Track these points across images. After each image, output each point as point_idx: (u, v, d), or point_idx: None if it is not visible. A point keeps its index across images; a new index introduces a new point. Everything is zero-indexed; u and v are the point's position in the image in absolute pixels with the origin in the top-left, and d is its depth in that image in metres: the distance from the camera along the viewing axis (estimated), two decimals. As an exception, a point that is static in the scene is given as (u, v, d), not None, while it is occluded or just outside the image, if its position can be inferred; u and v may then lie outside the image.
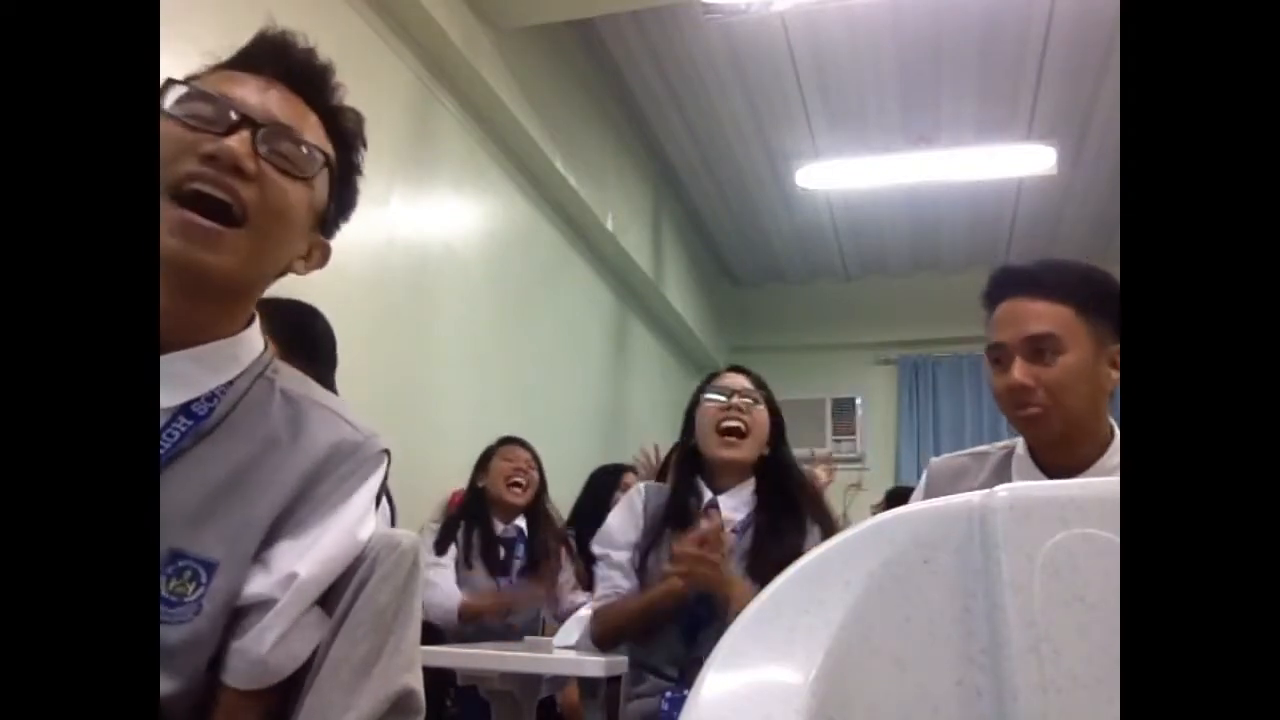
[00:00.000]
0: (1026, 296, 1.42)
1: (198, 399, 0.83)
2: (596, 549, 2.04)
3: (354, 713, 0.78)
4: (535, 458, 3.11)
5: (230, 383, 0.85)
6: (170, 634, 0.77)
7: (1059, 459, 1.42)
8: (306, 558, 0.82)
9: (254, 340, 0.89)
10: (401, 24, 3.15)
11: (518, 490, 3.01)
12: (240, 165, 0.79)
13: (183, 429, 0.82)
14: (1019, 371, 1.38)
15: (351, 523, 0.85)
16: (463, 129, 3.62)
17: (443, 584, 2.78)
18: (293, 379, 0.91)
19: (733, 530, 1.93)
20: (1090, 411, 1.39)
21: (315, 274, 0.92)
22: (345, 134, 0.91)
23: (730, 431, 1.97)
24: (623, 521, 2.03)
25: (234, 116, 0.81)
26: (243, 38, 0.90)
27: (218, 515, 0.80)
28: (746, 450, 1.97)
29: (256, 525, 0.82)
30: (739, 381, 2.04)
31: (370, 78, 3.01)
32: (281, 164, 0.83)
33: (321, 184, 0.89)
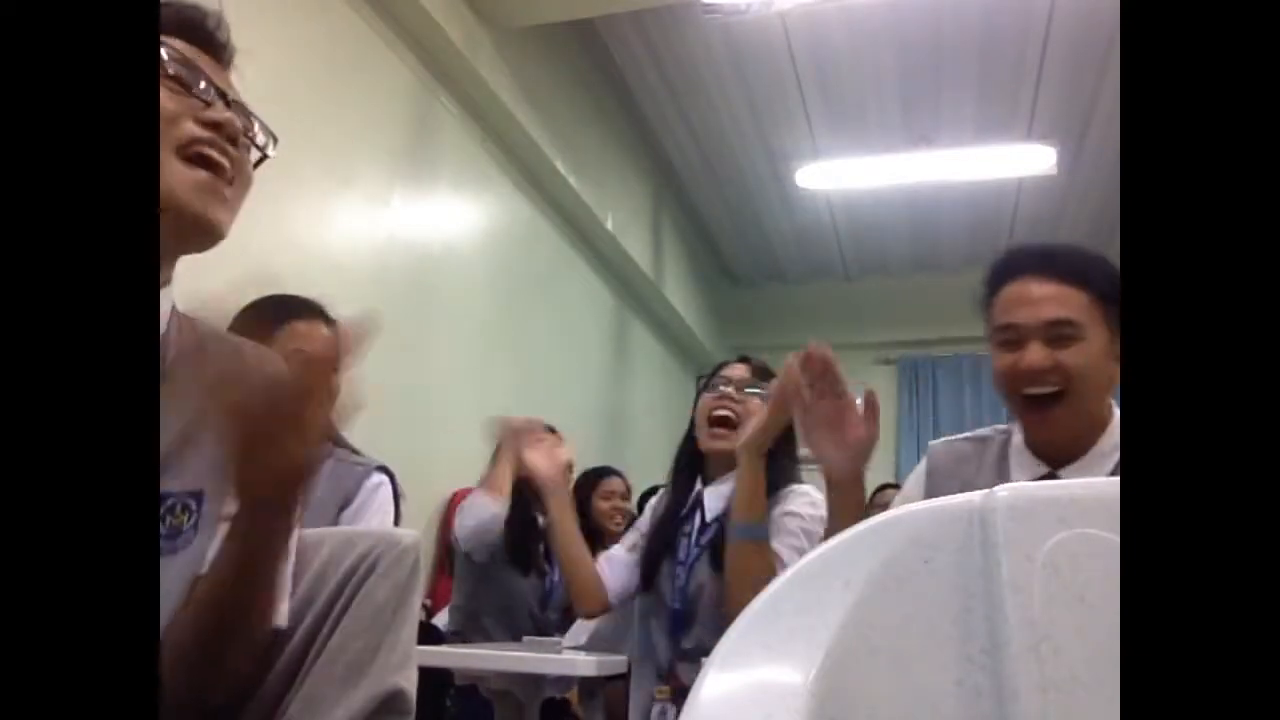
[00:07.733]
0: (1038, 277, 1.35)
1: None
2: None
3: (344, 708, 0.78)
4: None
5: (165, 331, 0.87)
6: (173, 563, 0.79)
7: (1058, 446, 1.36)
8: None
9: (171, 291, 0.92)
10: (401, 24, 3.15)
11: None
12: (238, 137, 0.85)
13: None
14: (1036, 354, 1.31)
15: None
16: (463, 129, 3.62)
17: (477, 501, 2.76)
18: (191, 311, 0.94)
19: (714, 519, 1.87)
20: (1099, 403, 1.34)
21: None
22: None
23: (720, 422, 1.87)
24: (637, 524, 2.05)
25: (216, 92, 0.85)
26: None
27: (191, 451, 0.82)
28: (735, 441, 1.80)
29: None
30: (737, 371, 1.93)
31: (370, 78, 3.00)
32: (249, 138, 0.88)
33: None
